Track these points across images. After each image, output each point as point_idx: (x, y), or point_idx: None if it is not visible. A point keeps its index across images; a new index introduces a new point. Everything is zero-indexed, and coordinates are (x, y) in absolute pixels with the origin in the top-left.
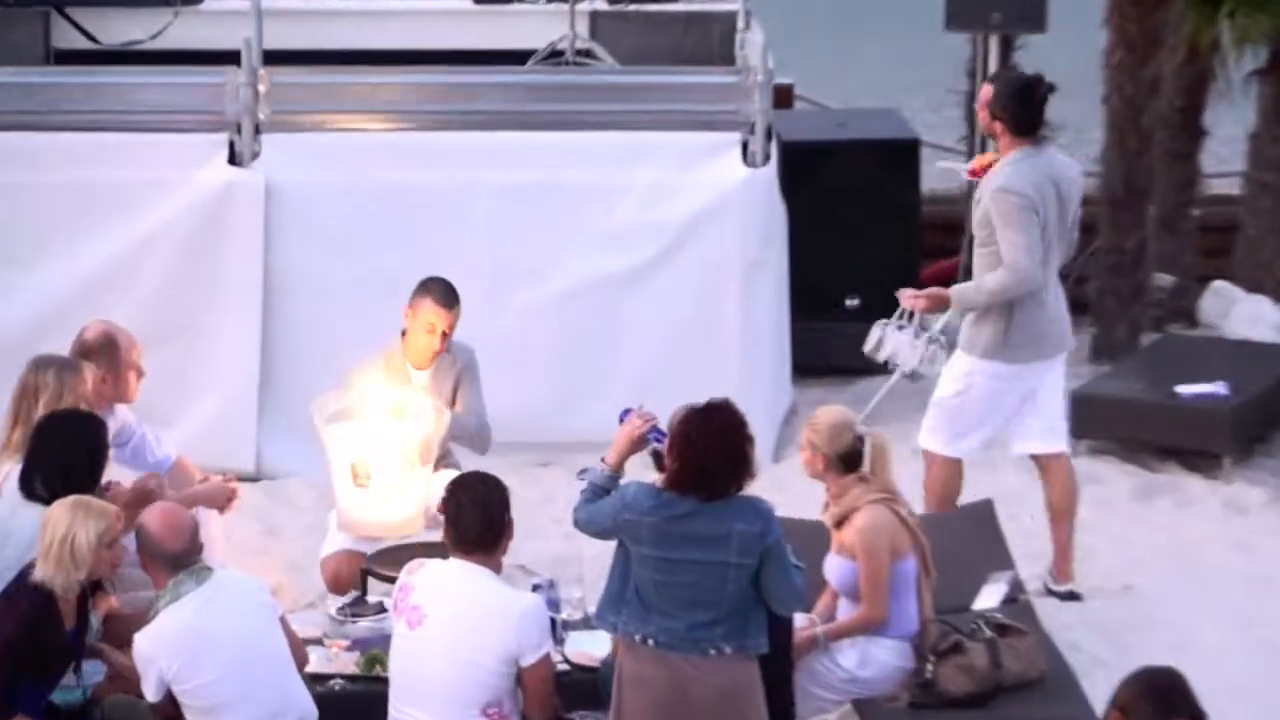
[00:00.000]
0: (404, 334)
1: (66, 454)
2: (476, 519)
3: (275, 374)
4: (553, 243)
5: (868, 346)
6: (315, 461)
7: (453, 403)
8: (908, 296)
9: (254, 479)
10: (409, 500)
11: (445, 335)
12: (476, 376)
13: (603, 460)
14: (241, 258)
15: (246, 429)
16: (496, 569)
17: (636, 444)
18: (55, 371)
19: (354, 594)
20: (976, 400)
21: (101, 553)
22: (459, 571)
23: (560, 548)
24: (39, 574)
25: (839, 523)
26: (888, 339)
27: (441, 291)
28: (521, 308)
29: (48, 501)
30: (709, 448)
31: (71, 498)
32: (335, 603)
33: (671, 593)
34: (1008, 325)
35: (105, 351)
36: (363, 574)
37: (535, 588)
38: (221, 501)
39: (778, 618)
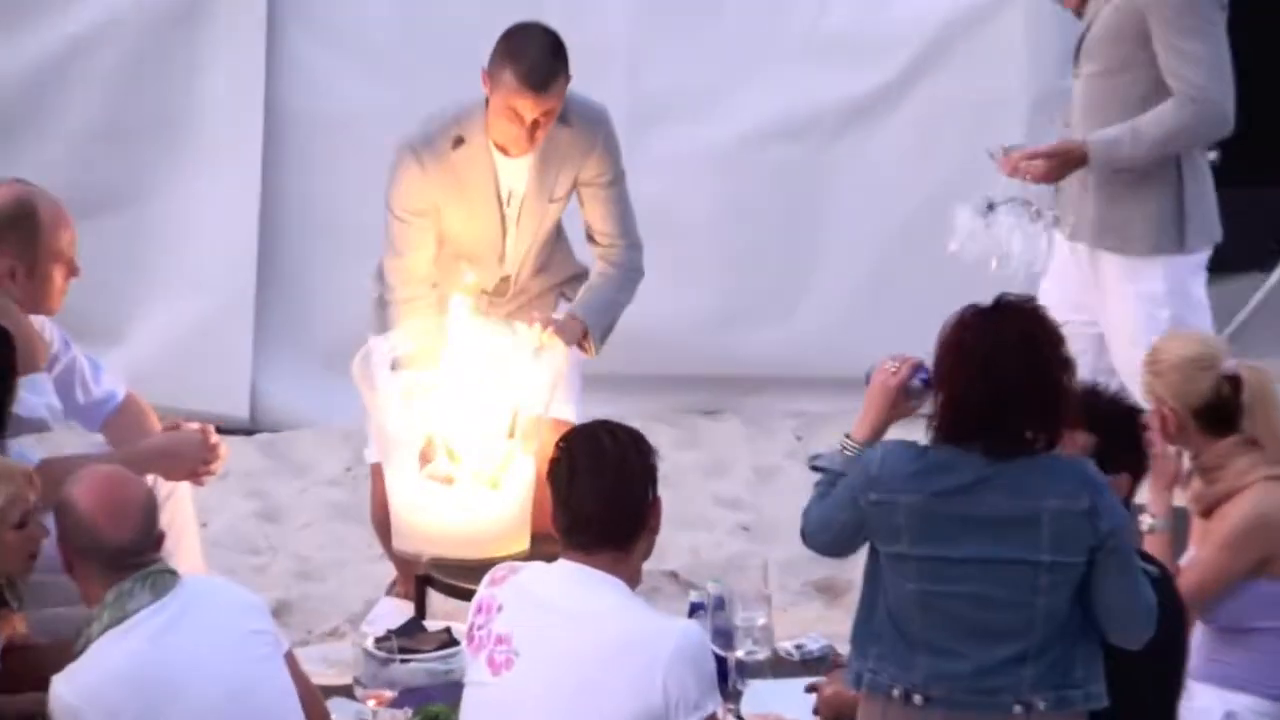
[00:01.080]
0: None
1: None
2: (600, 498)
3: (281, 263)
4: (729, 59)
5: (952, 244)
6: (343, 403)
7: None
8: (1014, 160)
9: (248, 431)
10: (513, 497)
11: (538, 125)
12: (619, 166)
13: (847, 437)
14: (230, 78)
15: (237, 352)
16: (632, 579)
17: (896, 401)
18: None
19: (403, 615)
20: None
21: (6, 535)
22: (572, 582)
23: (735, 545)
24: None
25: (1208, 510)
26: (981, 227)
27: (531, 58)
28: (675, 162)
29: None
30: (997, 368)
31: None
32: (376, 627)
33: (950, 615)
34: (1179, 196)
35: (17, 227)
36: (419, 583)
37: (694, 610)
38: (195, 463)
39: (1124, 652)
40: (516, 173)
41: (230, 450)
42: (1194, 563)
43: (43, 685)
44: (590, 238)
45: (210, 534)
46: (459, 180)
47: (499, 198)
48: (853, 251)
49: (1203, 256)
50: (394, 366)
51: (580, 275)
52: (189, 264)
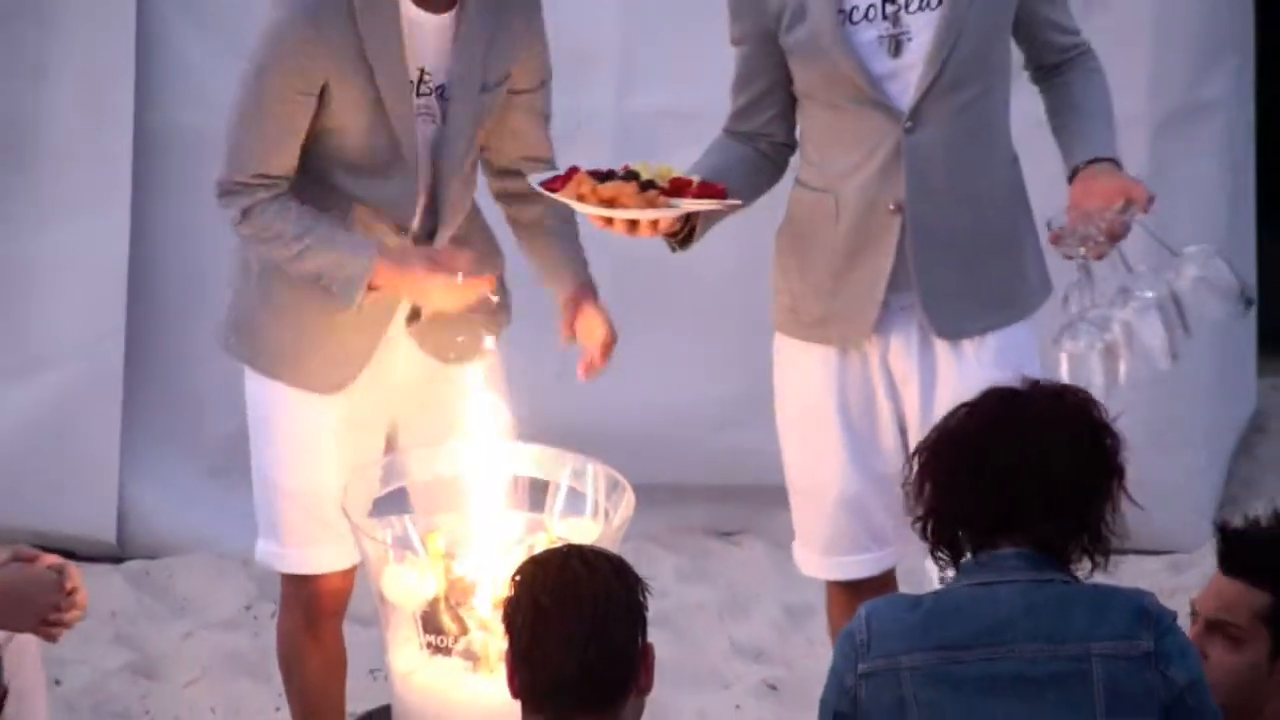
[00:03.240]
0: None
1: None
2: (574, 651)
3: (157, 324)
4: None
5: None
6: (235, 520)
7: (491, 114)
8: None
9: (116, 558)
10: None
11: None
12: (550, 65)
13: None
14: (88, 83)
15: (99, 450)
16: None
17: None
18: None
19: None
20: None
21: None
22: None
23: (759, 710)
24: None
25: None
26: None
27: None
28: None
29: None
30: (999, 446)
31: None
32: None
33: None
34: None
35: None
36: None
37: None
38: (43, 609)
39: None
40: (432, 41)
41: (92, 589)
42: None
43: None
44: (502, 175)
45: (64, 693)
46: (354, 45)
47: (401, 79)
48: None
49: None
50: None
51: (496, 253)
52: (34, 330)
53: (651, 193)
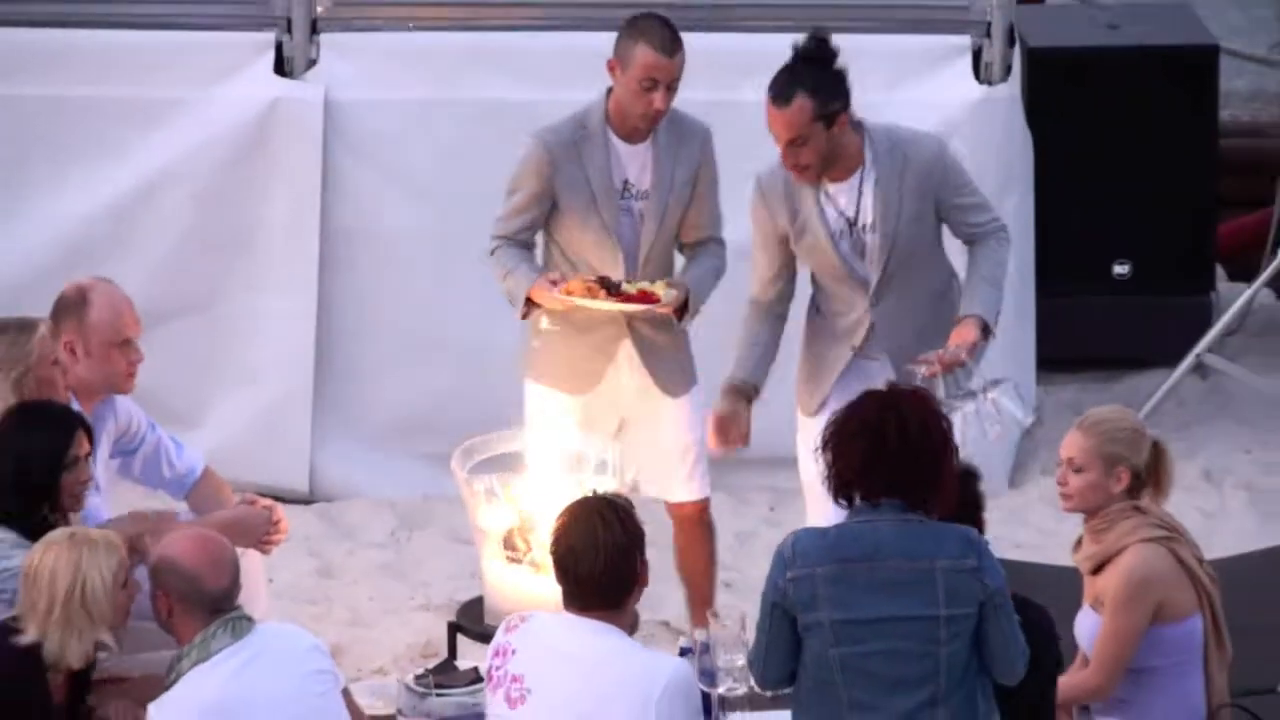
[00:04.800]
0: (609, 94)
1: (9, 460)
2: (596, 564)
3: (335, 360)
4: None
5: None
6: (388, 477)
7: (688, 203)
8: (943, 361)
9: (306, 500)
10: None
11: (669, 91)
12: (717, 174)
13: None
14: (291, 202)
15: (297, 433)
16: (627, 626)
17: None
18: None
19: (439, 657)
20: None
21: (118, 595)
22: (575, 629)
23: (718, 598)
24: (31, 636)
25: (1097, 568)
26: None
27: (659, 33)
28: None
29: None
30: (856, 422)
31: (60, 533)
32: (414, 669)
33: (866, 673)
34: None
35: (73, 312)
36: (451, 630)
37: (683, 652)
38: (261, 533)
39: (1013, 693)
40: (633, 163)
41: (291, 521)
42: (1103, 642)
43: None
44: (680, 244)
45: (276, 589)
46: (579, 165)
47: (611, 185)
48: None
49: None
50: (486, 467)
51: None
52: (257, 359)
53: (606, 295)
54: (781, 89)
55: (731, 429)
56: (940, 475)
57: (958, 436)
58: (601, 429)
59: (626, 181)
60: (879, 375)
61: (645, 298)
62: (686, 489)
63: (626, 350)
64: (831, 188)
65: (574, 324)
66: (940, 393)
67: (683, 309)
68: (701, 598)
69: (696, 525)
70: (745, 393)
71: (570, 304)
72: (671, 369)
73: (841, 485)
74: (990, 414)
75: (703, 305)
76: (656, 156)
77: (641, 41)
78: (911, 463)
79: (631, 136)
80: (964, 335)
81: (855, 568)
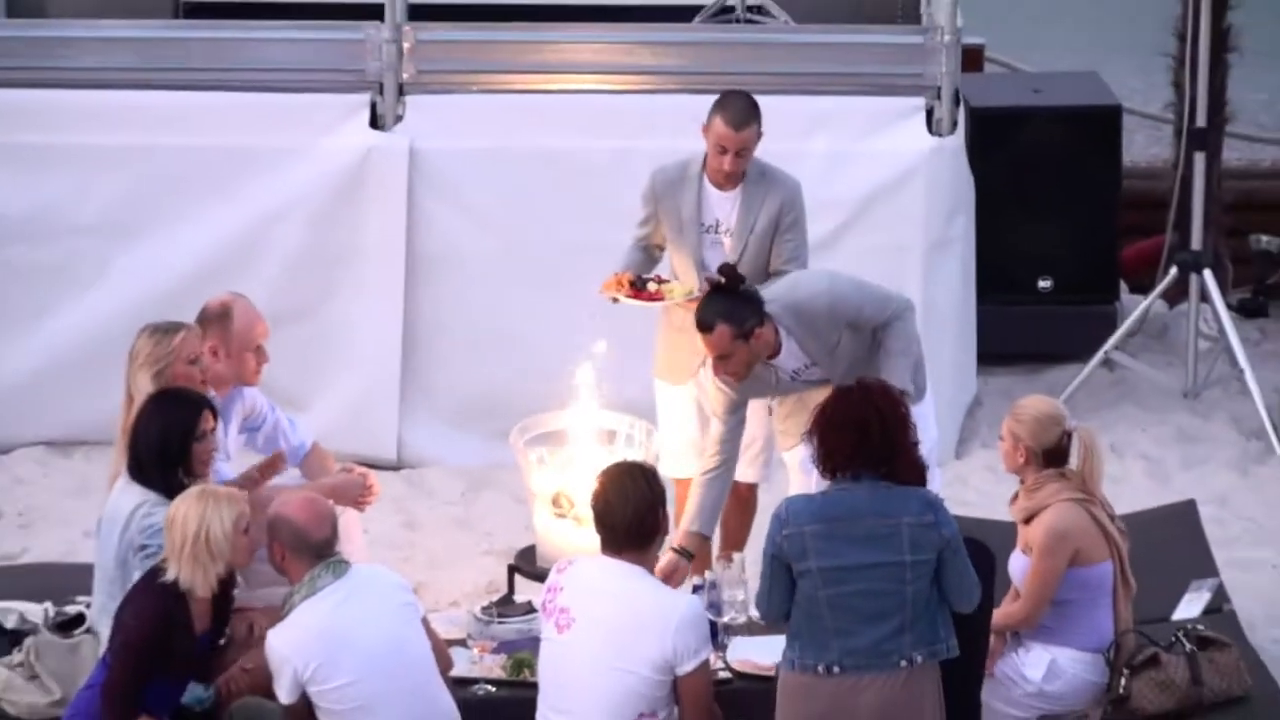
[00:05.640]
0: None
1: (152, 434)
2: (627, 515)
3: (418, 356)
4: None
5: None
6: (460, 449)
7: (769, 249)
8: None
9: (394, 467)
10: None
11: (738, 157)
12: (800, 218)
13: None
14: (382, 230)
15: (387, 414)
16: (650, 567)
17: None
18: (149, 335)
19: (500, 593)
20: None
21: (238, 539)
22: (612, 572)
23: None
24: (172, 574)
25: (1028, 519)
26: None
27: (733, 109)
28: None
29: (143, 483)
30: (844, 420)
31: (194, 489)
32: (480, 602)
33: (849, 608)
34: None
35: (218, 323)
36: (510, 571)
37: (696, 589)
38: (358, 494)
39: (964, 617)
40: (724, 206)
41: (381, 485)
42: (1030, 580)
43: (259, 639)
44: (768, 272)
45: (370, 539)
46: (675, 200)
47: (702, 222)
48: None
49: None
50: (538, 441)
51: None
52: (355, 355)
53: (629, 289)
54: (701, 320)
55: (674, 578)
56: (905, 453)
57: None
58: (706, 414)
59: (717, 220)
60: None
61: (655, 296)
62: (744, 473)
63: None
64: None
65: (673, 325)
66: None
67: None
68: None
69: (744, 500)
70: (688, 552)
71: (608, 295)
72: None
73: (831, 466)
74: None
75: None
76: (745, 203)
77: (718, 114)
78: (888, 449)
79: (721, 185)
80: None
81: (838, 526)
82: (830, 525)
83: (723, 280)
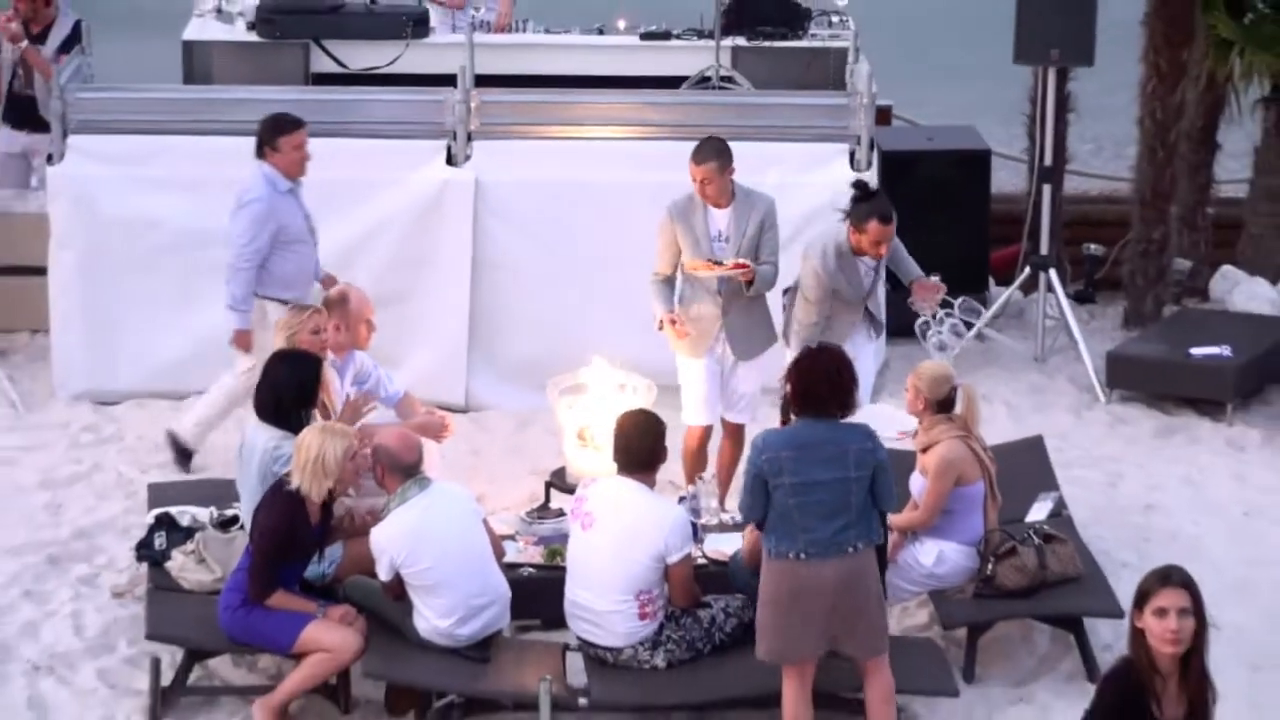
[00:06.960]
0: None
1: (279, 385)
2: (645, 445)
3: (481, 329)
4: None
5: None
6: (511, 397)
7: (757, 246)
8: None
9: (463, 410)
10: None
11: (704, 184)
12: (775, 224)
13: None
14: (454, 240)
15: (458, 371)
16: (652, 485)
17: None
18: (289, 311)
19: (540, 502)
20: None
21: (346, 465)
22: (623, 486)
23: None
24: (295, 483)
25: (924, 449)
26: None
27: (697, 150)
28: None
29: (273, 422)
30: (818, 374)
31: (317, 424)
32: (525, 508)
33: (812, 511)
34: None
35: (340, 305)
36: (546, 486)
37: (681, 500)
38: (438, 431)
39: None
40: (723, 219)
41: (454, 423)
42: (926, 496)
43: (366, 532)
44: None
45: (446, 463)
46: (688, 221)
47: (709, 234)
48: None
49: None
50: (568, 390)
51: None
52: (435, 329)
53: (716, 267)
54: (886, 214)
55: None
56: (854, 399)
57: (933, 341)
58: (716, 374)
59: (720, 231)
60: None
61: (737, 267)
62: (733, 414)
63: (720, 330)
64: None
65: (689, 315)
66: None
67: (750, 283)
68: (724, 479)
69: (734, 437)
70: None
71: (694, 276)
72: (744, 343)
73: (805, 406)
74: (957, 324)
75: (765, 289)
76: (735, 218)
77: (691, 155)
78: (846, 396)
79: (716, 205)
80: (926, 287)
81: (805, 451)
82: (800, 451)
83: (868, 187)
